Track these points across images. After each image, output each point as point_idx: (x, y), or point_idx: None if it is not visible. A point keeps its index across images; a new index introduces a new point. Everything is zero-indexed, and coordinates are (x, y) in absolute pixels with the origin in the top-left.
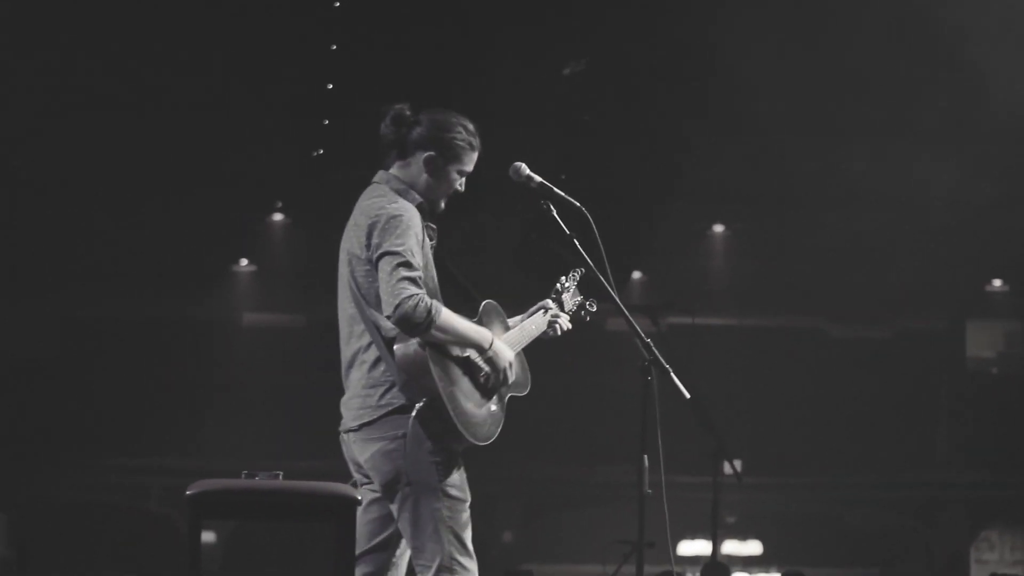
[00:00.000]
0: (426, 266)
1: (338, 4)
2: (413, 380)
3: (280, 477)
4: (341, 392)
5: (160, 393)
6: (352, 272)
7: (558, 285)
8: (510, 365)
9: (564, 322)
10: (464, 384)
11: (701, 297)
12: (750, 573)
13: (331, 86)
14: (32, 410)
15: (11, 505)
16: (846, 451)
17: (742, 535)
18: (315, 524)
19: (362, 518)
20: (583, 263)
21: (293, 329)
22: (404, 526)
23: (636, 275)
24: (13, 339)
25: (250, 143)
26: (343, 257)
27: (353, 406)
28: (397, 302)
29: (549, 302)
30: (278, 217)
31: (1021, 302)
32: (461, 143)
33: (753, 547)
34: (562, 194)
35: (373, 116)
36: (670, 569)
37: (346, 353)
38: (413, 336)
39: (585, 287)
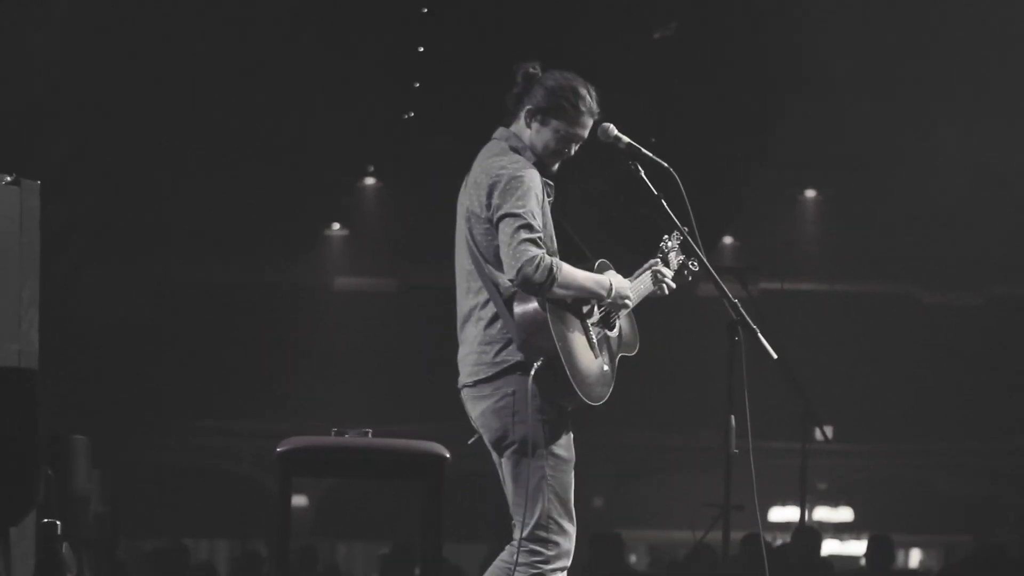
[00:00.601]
0: (545, 225)
1: None
2: (531, 338)
3: (369, 435)
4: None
5: (252, 357)
6: (471, 229)
7: (663, 244)
8: (628, 298)
9: (670, 281)
10: (580, 343)
11: (792, 262)
12: (841, 539)
13: (422, 49)
14: (126, 373)
15: (107, 464)
16: (939, 418)
17: (833, 502)
18: (405, 481)
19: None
20: (671, 224)
21: (384, 293)
22: (507, 481)
23: (727, 240)
24: (107, 302)
25: (341, 106)
26: (461, 213)
27: (469, 362)
28: (519, 264)
29: (657, 261)
30: (370, 181)
31: None
32: (577, 108)
33: (844, 513)
34: (650, 155)
35: (466, 82)
36: (756, 532)
37: (462, 308)
38: (537, 295)
39: (682, 247)
